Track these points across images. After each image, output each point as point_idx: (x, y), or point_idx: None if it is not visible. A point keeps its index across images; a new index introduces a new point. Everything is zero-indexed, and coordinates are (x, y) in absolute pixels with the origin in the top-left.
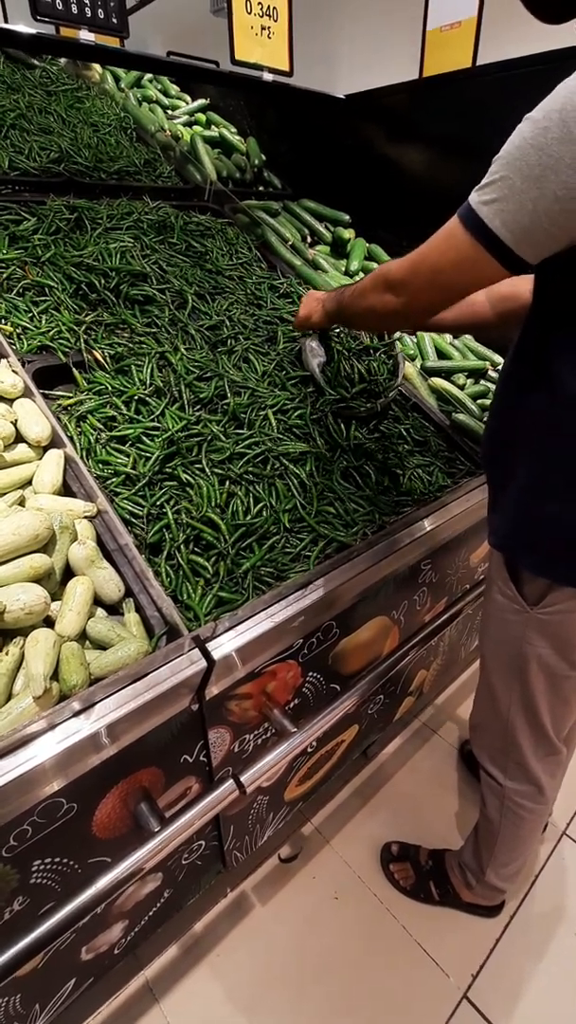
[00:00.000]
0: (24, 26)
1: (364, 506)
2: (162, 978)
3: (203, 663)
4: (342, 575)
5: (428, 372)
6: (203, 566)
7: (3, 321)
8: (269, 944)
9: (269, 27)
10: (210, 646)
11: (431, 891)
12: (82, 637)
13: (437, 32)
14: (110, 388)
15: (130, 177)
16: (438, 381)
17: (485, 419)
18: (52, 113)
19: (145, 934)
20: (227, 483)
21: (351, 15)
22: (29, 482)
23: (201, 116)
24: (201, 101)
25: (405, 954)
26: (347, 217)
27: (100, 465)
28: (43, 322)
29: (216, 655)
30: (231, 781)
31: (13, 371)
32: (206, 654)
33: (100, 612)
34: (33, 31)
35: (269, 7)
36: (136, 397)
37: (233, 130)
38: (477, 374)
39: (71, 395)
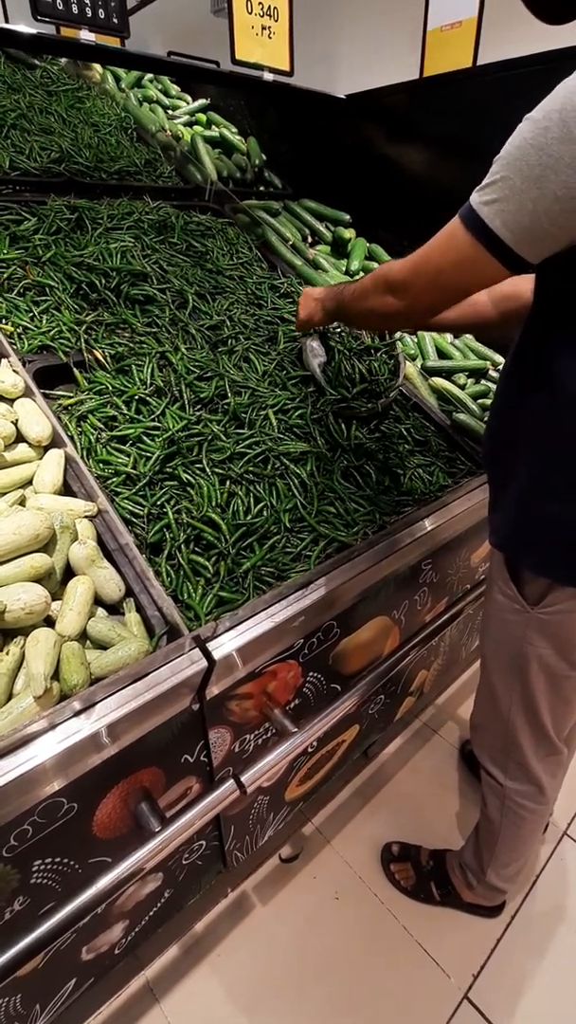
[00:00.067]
0: (25, 26)
1: (365, 506)
2: (163, 978)
3: (204, 663)
4: (343, 575)
5: (429, 372)
6: (204, 566)
7: (4, 321)
8: (270, 944)
9: (270, 27)
10: (211, 646)
11: (432, 891)
12: (83, 637)
13: (438, 32)
14: (111, 388)
15: (131, 177)
16: (439, 381)
17: (486, 419)
18: (53, 113)
19: (146, 934)
20: (228, 483)
21: (351, 15)
22: (30, 482)
23: (202, 116)
24: (202, 101)
25: (406, 954)
26: (347, 217)
27: (101, 465)
28: (44, 322)
29: (217, 655)
30: (232, 781)
31: (14, 371)
32: (207, 654)
33: (101, 612)
34: (34, 31)
35: (270, 7)
36: (137, 397)
37: (234, 130)
38: (478, 374)
39: (72, 395)
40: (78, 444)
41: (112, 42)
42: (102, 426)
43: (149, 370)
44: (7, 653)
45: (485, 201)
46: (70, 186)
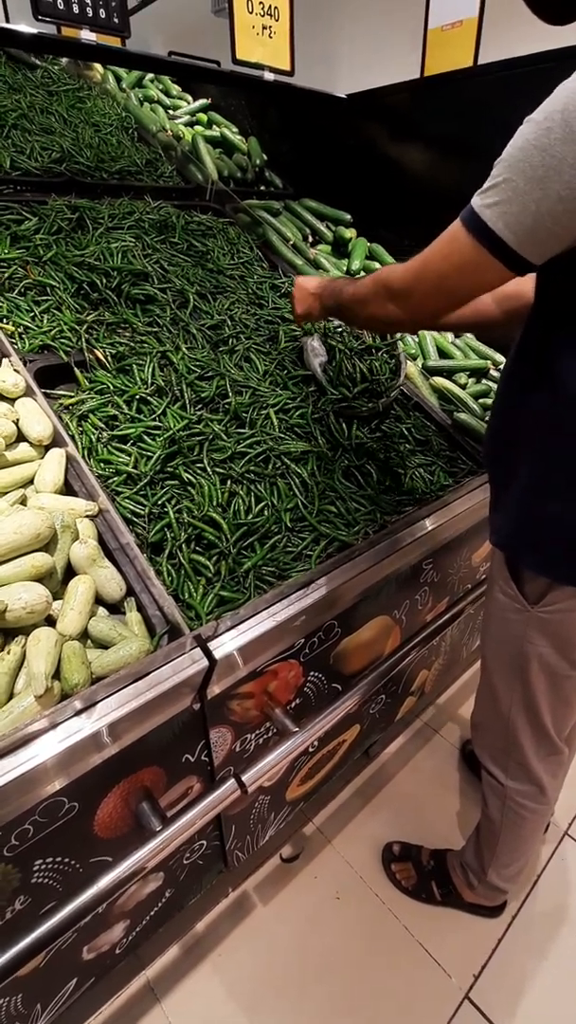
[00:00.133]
0: (26, 26)
1: (366, 505)
2: (163, 978)
3: (205, 662)
4: (344, 574)
5: (430, 371)
6: (205, 565)
7: (5, 320)
8: (271, 944)
9: (270, 27)
10: (212, 645)
11: (433, 891)
12: (84, 636)
13: (438, 31)
14: (111, 387)
15: (131, 177)
16: (440, 380)
17: (487, 418)
18: (54, 113)
19: (146, 934)
20: (228, 482)
21: (351, 15)
22: (31, 481)
23: (202, 116)
24: (202, 101)
25: (407, 954)
26: (348, 216)
27: (101, 464)
28: (45, 321)
29: (218, 654)
30: (233, 780)
31: (15, 370)
32: (208, 653)
33: (101, 611)
34: (34, 31)
35: (270, 7)
36: (137, 396)
37: (234, 130)
38: (479, 373)
39: (72, 394)
40: (79, 443)
41: (113, 42)
42: (103, 425)
43: (150, 369)
44: (8, 652)
45: (487, 204)
46: (71, 186)
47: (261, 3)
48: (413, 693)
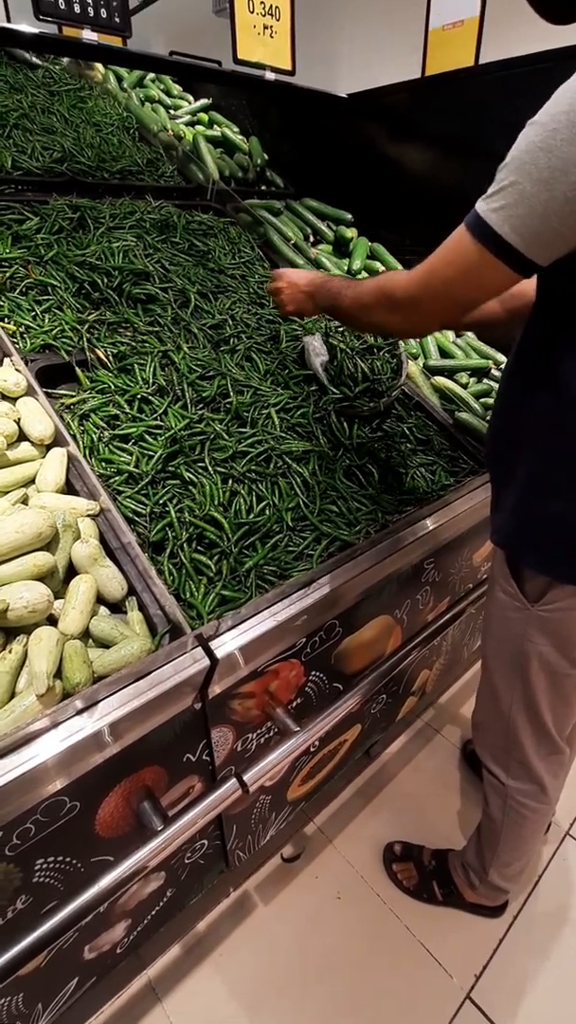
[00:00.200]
0: (27, 25)
1: (367, 505)
2: (165, 977)
3: (206, 661)
4: (345, 574)
5: (431, 371)
6: (206, 564)
7: (7, 320)
8: (272, 944)
9: (272, 26)
10: (213, 644)
11: (434, 891)
12: (85, 635)
13: (439, 31)
14: (113, 387)
15: (133, 176)
16: (441, 380)
17: (488, 418)
18: (55, 113)
19: (148, 933)
20: (230, 481)
21: (351, 15)
22: (32, 480)
23: (203, 116)
24: (203, 101)
25: (408, 954)
26: (349, 216)
27: (103, 464)
28: (46, 321)
29: (219, 654)
30: (234, 780)
31: (16, 370)
32: (209, 653)
33: (103, 610)
34: (36, 31)
35: (271, 6)
36: (139, 396)
37: (235, 129)
38: (480, 373)
39: (74, 394)
40: (80, 443)
41: (114, 42)
42: (104, 425)
43: (151, 369)
44: (10, 651)
45: (493, 208)
46: (72, 185)
47: (262, 3)
48: (414, 693)
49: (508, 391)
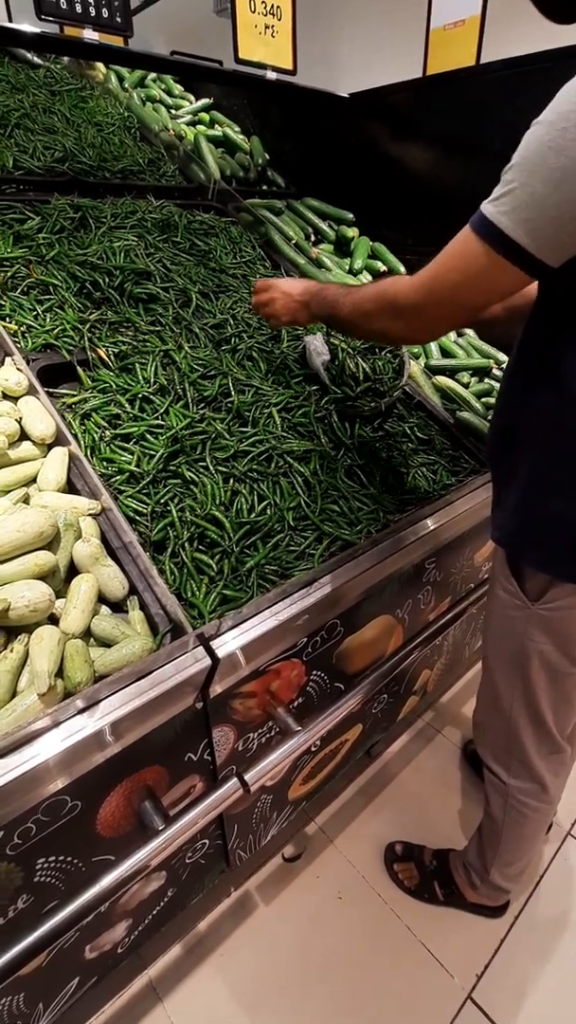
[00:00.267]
0: (29, 25)
1: (368, 504)
2: (166, 977)
3: (207, 661)
4: (346, 573)
5: (432, 370)
6: (207, 564)
7: (8, 319)
8: (273, 943)
9: (273, 26)
10: (214, 644)
11: (435, 891)
12: (86, 634)
13: (441, 31)
14: (114, 386)
15: (134, 176)
16: (442, 379)
17: (489, 417)
18: (56, 113)
19: (149, 933)
20: (231, 481)
21: (351, 15)
22: (34, 480)
23: (205, 115)
24: (205, 100)
25: (409, 954)
26: (351, 215)
27: (104, 463)
28: (47, 320)
29: (220, 653)
30: (235, 780)
31: (18, 369)
32: (210, 652)
33: (104, 609)
34: (37, 30)
35: (273, 6)
36: (140, 395)
37: (237, 129)
38: (481, 372)
39: (75, 393)
40: (82, 442)
41: (116, 41)
42: (106, 424)
43: (152, 368)
44: (11, 650)
45: (502, 211)
46: (74, 185)
47: (264, 2)
48: (415, 693)
49: (509, 390)
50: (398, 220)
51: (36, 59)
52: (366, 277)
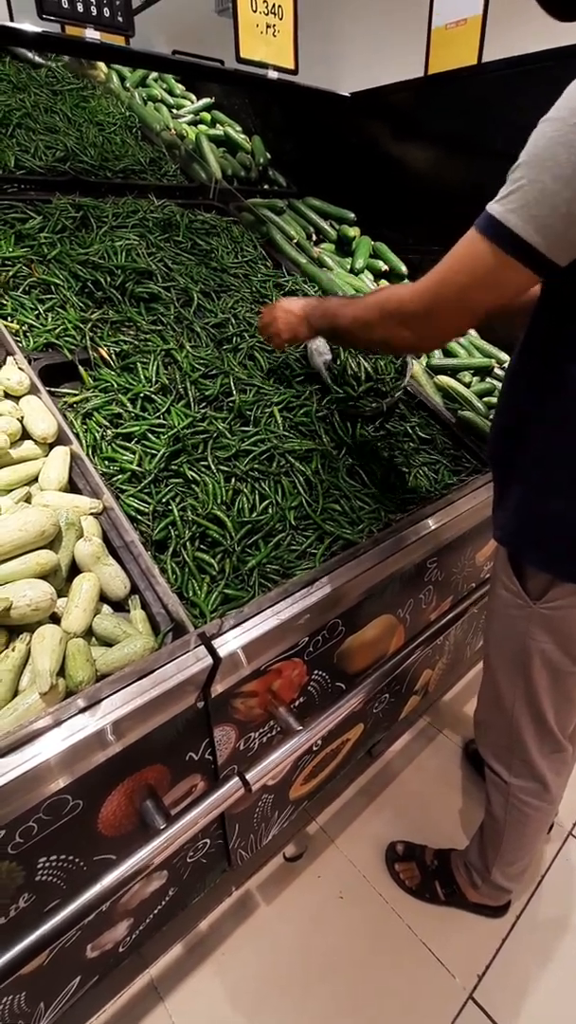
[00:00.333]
0: (30, 24)
1: (370, 504)
2: (167, 976)
3: (209, 660)
4: (348, 572)
5: (434, 370)
6: (209, 563)
7: (10, 319)
8: (274, 943)
9: (274, 25)
10: (216, 643)
11: (437, 891)
12: (88, 634)
13: (442, 30)
14: (116, 385)
15: (135, 176)
16: (444, 379)
17: (491, 416)
18: (58, 112)
19: (150, 932)
20: (233, 480)
21: (351, 15)
22: (35, 479)
23: (206, 115)
24: (206, 100)
25: (410, 954)
26: (352, 215)
27: (106, 462)
28: (49, 320)
29: (222, 652)
30: (236, 779)
31: (19, 368)
32: (212, 651)
33: (106, 609)
34: (39, 30)
35: (274, 5)
36: (142, 394)
37: (238, 128)
38: (483, 371)
39: (77, 392)
40: (83, 441)
41: (117, 41)
42: (107, 423)
43: (154, 368)
44: (13, 649)
45: (511, 209)
46: (75, 185)
47: (265, 1)
48: (417, 692)
49: (512, 390)
50: (399, 219)
51: (38, 59)
52: (367, 276)
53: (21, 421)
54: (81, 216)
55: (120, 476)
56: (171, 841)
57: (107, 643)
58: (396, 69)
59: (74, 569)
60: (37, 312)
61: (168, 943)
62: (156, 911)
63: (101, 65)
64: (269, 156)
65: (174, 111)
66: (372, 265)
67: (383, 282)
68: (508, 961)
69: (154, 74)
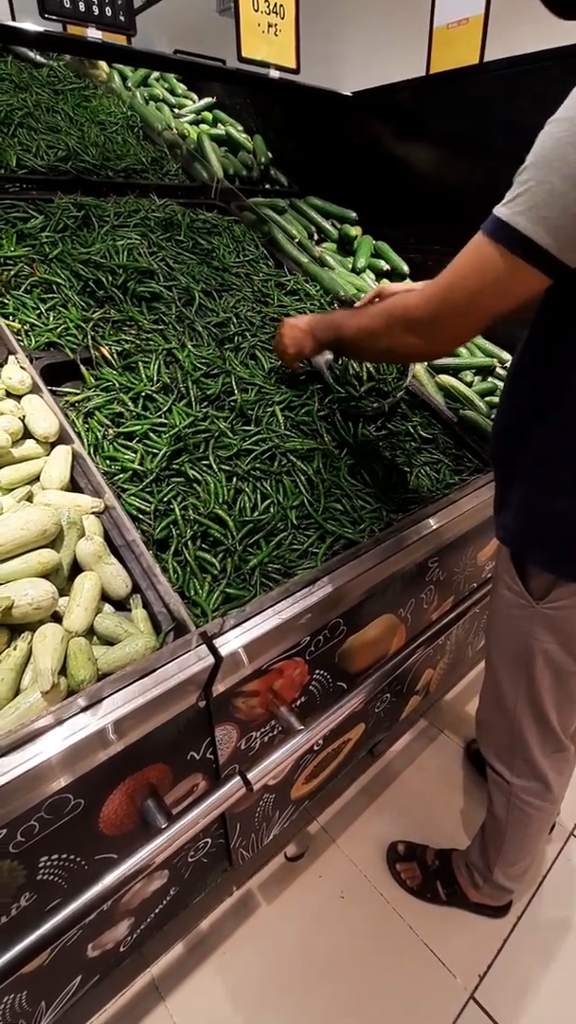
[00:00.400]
0: (32, 24)
1: (371, 503)
2: (168, 976)
3: (210, 659)
4: (349, 572)
5: (435, 369)
6: (210, 562)
7: (11, 318)
8: (275, 943)
9: (276, 24)
10: (217, 642)
11: (438, 891)
12: (90, 633)
13: (444, 29)
14: (117, 384)
15: (137, 175)
16: (445, 378)
17: (493, 416)
18: (59, 112)
19: (151, 932)
20: (234, 479)
21: (352, 15)
22: (37, 478)
23: (207, 114)
24: (207, 99)
25: (412, 954)
26: (354, 214)
27: (107, 461)
28: (51, 319)
29: (223, 651)
30: (238, 778)
31: (21, 367)
32: (213, 650)
33: (107, 608)
34: (41, 29)
35: (276, 4)
36: (143, 393)
37: (239, 128)
38: (485, 371)
39: (78, 391)
40: (85, 440)
41: (119, 40)
42: (109, 422)
43: (156, 367)
44: (14, 648)
45: (519, 211)
46: (77, 184)
47: (267, 1)
48: (418, 692)
49: (514, 389)
50: (401, 219)
51: (39, 58)
52: (369, 276)
53: (23, 420)
54: (83, 215)
55: (121, 475)
56: (172, 840)
57: (108, 642)
58: (397, 69)
59: (75, 568)
60: (39, 311)
61: (169, 942)
62: (157, 910)
63: (103, 64)
64: (271, 155)
65: (176, 110)
66: (374, 264)
67: (384, 281)
68: (509, 961)
69: (156, 74)
